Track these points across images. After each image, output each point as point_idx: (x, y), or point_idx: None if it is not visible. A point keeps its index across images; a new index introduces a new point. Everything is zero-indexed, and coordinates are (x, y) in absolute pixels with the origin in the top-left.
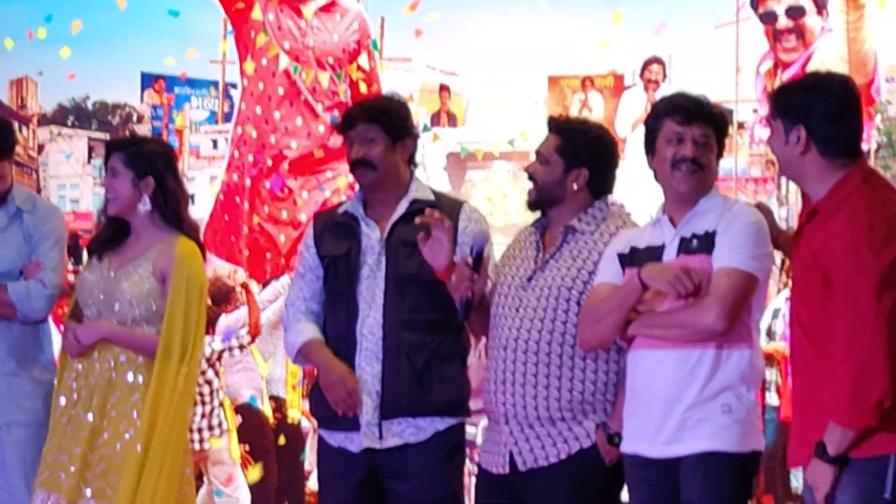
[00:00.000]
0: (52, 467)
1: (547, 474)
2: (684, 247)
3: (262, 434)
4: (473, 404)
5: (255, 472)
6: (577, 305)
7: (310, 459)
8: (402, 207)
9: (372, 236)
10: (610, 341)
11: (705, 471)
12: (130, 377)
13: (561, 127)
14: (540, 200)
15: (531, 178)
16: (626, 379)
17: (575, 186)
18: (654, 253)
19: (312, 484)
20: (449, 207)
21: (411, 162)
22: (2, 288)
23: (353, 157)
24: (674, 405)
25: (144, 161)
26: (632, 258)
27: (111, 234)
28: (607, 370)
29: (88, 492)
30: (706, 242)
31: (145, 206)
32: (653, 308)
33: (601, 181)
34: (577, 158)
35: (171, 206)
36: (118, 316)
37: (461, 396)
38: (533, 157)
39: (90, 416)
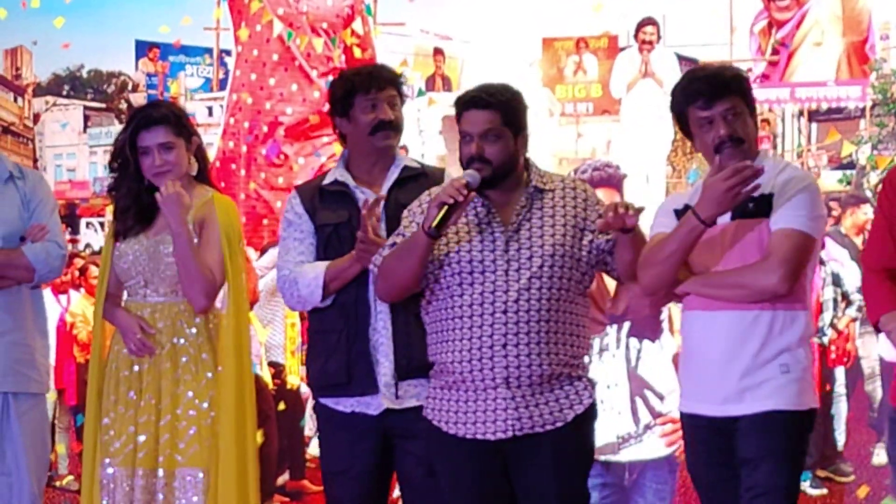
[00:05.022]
0: (128, 444)
1: (548, 438)
2: (740, 210)
3: (262, 400)
4: None
5: (256, 438)
6: (571, 259)
7: (309, 425)
8: (394, 173)
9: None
10: (672, 283)
11: (764, 428)
12: (192, 335)
13: (494, 100)
14: (497, 177)
15: (481, 159)
16: (682, 339)
17: (522, 153)
18: None
19: (313, 449)
20: (435, 176)
21: None
22: (17, 252)
23: (386, 118)
24: (731, 365)
25: (188, 124)
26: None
27: (140, 213)
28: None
29: (180, 458)
30: (763, 206)
31: (193, 168)
32: (708, 268)
33: (527, 137)
34: (520, 126)
35: (206, 162)
36: (168, 280)
37: None
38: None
39: (162, 385)
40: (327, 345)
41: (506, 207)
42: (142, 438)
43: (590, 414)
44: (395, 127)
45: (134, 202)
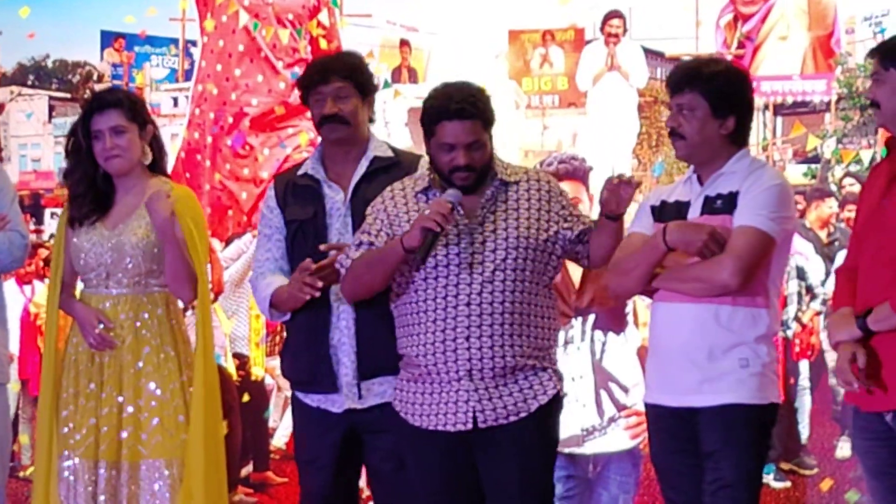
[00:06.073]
0: (88, 436)
1: (512, 429)
2: (708, 206)
3: (226, 391)
4: None
5: (222, 430)
6: (535, 251)
7: (274, 417)
8: (362, 167)
9: (336, 199)
10: (637, 292)
11: (725, 421)
12: (154, 326)
13: (477, 110)
14: (479, 181)
15: (471, 168)
16: (649, 330)
17: (493, 151)
18: (681, 208)
19: (277, 441)
20: (408, 162)
21: (370, 119)
22: None
23: (327, 113)
24: (691, 357)
25: (143, 111)
26: (661, 211)
27: (96, 199)
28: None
29: (143, 449)
30: (729, 203)
31: (148, 156)
32: (679, 262)
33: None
34: (490, 127)
35: (162, 153)
36: (131, 272)
37: None
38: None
39: (124, 377)
40: (296, 341)
41: (471, 200)
42: (104, 430)
43: (554, 404)
44: (339, 120)
45: (89, 188)
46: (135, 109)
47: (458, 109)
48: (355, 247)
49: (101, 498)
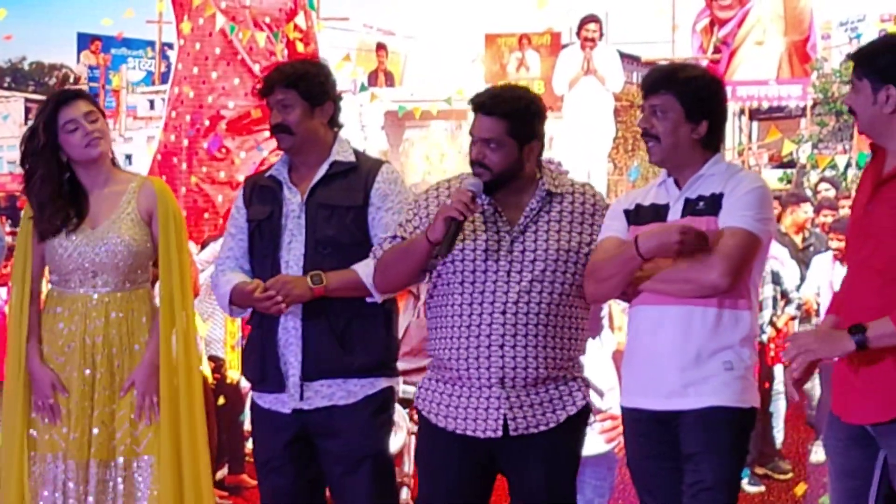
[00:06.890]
0: (82, 437)
1: (540, 439)
2: (690, 208)
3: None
4: (410, 363)
5: (202, 428)
6: (574, 265)
7: (249, 420)
8: (321, 171)
9: (293, 201)
10: (614, 297)
11: (707, 424)
12: (144, 322)
13: (500, 110)
14: (497, 183)
15: (481, 164)
16: (628, 334)
17: (531, 160)
18: (659, 211)
19: (252, 444)
20: (367, 168)
21: (333, 124)
22: None
23: (271, 123)
24: (675, 360)
25: (102, 108)
26: (636, 214)
27: (70, 205)
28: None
29: (137, 447)
30: (713, 204)
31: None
32: (658, 266)
33: (543, 146)
34: (529, 135)
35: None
36: (120, 269)
37: (385, 357)
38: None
39: (116, 375)
40: (251, 340)
41: (513, 208)
42: (95, 431)
43: (583, 415)
44: (283, 129)
45: (55, 192)
46: (95, 101)
47: (480, 103)
48: (389, 240)
49: (90, 499)
